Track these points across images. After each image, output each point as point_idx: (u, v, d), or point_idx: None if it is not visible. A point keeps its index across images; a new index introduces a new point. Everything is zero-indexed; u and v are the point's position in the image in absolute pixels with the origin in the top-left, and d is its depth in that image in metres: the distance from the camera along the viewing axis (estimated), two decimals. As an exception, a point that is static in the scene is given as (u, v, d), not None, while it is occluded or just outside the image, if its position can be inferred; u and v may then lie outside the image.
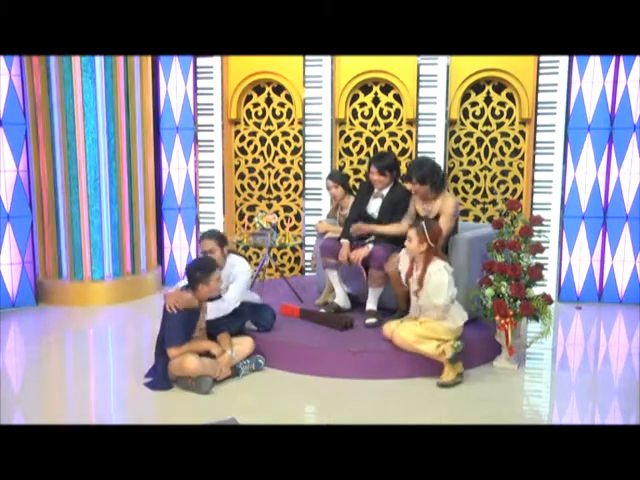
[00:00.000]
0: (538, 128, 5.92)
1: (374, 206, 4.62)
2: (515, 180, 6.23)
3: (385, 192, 4.60)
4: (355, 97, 6.35)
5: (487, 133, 6.21)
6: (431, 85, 6.00)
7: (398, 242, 4.57)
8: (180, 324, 3.79)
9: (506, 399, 3.75)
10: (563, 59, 5.76)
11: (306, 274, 6.36)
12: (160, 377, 3.83)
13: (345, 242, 4.55)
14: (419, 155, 6.01)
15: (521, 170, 6.20)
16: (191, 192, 6.57)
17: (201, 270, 3.83)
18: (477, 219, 6.28)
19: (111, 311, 5.70)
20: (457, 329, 3.97)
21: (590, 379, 4.15)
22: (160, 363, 3.87)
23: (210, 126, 6.46)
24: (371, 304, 4.53)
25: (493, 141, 6.21)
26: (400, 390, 3.82)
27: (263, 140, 6.63)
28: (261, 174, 6.68)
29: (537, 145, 5.93)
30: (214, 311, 4.04)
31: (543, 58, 5.81)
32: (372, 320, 4.44)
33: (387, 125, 6.33)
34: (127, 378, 4.08)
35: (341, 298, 4.73)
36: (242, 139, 6.67)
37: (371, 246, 4.45)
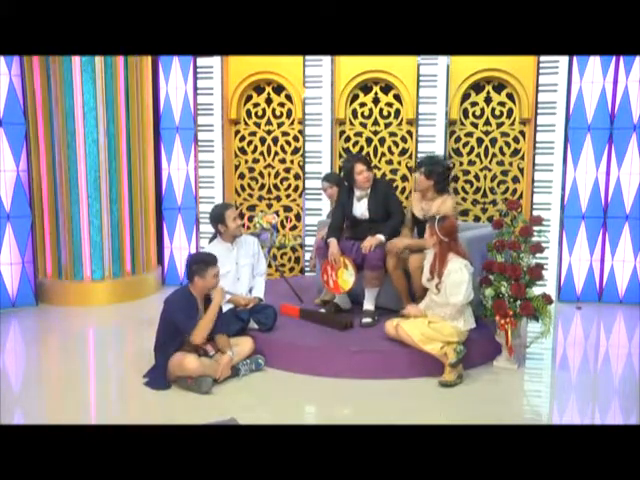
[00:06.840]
0: (538, 128, 5.92)
1: (362, 207, 4.58)
2: (515, 180, 6.23)
3: (368, 191, 4.56)
4: (355, 97, 6.35)
5: (487, 133, 6.21)
6: (431, 85, 6.01)
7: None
8: (186, 312, 3.80)
9: (506, 399, 3.75)
10: (563, 59, 5.77)
11: (306, 274, 6.37)
12: (158, 376, 3.83)
13: (332, 241, 4.49)
14: (423, 154, 6.02)
15: (521, 170, 6.20)
16: (191, 192, 6.58)
17: (198, 264, 3.85)
18: (477, 219, 6.28)
19: (111, 311, 5.71)
20: (464, 332, 3.99)
21: (590, 379, 4.15)
22: (159, 362, 3.88)
23: (210, 126, 6.46)
24: (368, 304, 4.53)
25: (493, 141, 6.21)
26: (400, 390, 3.82)
27: (263, 140, 6.63)
28: (261, 174, 6.68)
29: (537, 145, 5.93)
30: (263, 286, 4.55)
31: (543, 58, 5.81)
32: (368, 320, 4.44)
33: (387, 125, 6.34)
34: (127, 378, 4.08)
35: (341, 298, 4.73)
36: (242, 139, 6.67)
37: (382, 238, 4.37)
